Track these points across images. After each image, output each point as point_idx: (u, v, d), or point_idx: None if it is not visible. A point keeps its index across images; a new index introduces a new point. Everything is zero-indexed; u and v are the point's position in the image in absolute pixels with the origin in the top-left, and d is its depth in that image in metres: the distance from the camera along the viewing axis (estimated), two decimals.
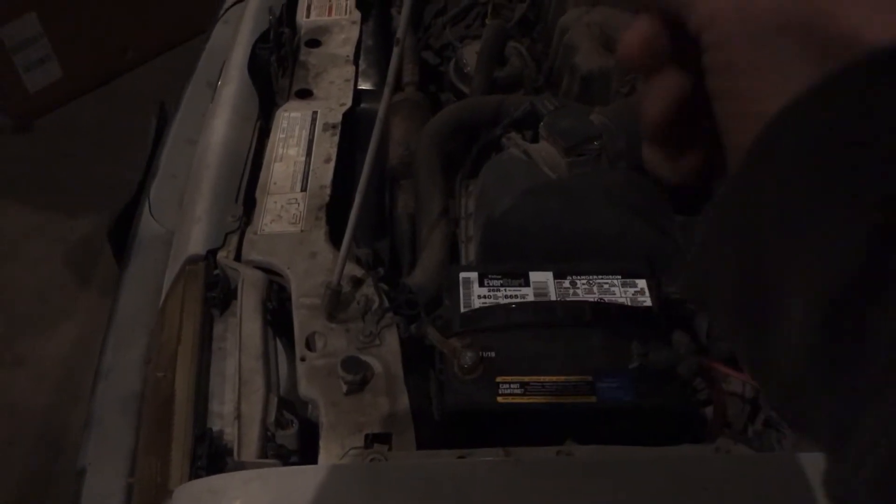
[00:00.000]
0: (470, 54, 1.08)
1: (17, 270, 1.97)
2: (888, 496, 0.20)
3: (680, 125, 0.29)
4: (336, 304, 0.71)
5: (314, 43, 1.07)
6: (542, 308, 0.68)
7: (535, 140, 0.90)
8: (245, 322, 0.73)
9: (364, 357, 0.67)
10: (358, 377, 0.66)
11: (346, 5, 1.10)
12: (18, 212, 2.08)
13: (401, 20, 0.78)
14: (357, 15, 1.09)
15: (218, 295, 0.76)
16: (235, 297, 0.76)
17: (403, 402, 0.66)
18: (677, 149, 0.30)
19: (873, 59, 0.20)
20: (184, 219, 0.87)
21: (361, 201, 0.74)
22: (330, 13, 1.09)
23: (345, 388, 0.66)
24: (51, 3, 2.08)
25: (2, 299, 1.89)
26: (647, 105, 0.29)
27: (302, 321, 0.72)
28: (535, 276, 0.71)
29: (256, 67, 1.00)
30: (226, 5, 1.45)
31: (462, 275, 0.73)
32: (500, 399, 0.64)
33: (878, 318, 0.20)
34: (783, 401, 0.25)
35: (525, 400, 0.64)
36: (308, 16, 1.09)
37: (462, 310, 0.70)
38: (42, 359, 1.80)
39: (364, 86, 1.08)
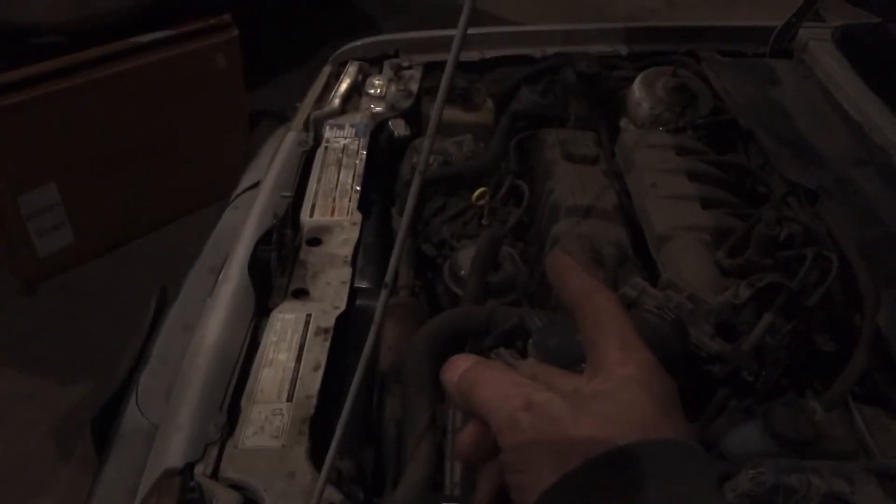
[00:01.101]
0: (465, 258, 1.10)
1: (0, 436, 1.92)
2: None
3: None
4: None
5: (315, 241, 1.10)
6: None
7: (524, 353, 0.90)
8: None
9: None
10: None
11: (349, 206, 1.14)
12: (12, 375, 2.06)
13: (401, 224, 0.81)
14: (358, 216, 1.13)
15: None
16: None
17: None
18: None
19: (587, 466, 0.34)
20: (166, 423, 0.85)
21: (346, 420, 0.73)
22: (332, 213, 1.13)
23: None
24: (71, 174, 2.17)
25: None
26: (477, 488, 0.41)
27: None
28: None
29: (256, 267, 1.02)
30: (236, 191, 1.52)
31: None
32: None
33: None
34: None
35: None
36: (311, 215, 1.13)
37: None
38: None
39: (360, 282, 1.11)
